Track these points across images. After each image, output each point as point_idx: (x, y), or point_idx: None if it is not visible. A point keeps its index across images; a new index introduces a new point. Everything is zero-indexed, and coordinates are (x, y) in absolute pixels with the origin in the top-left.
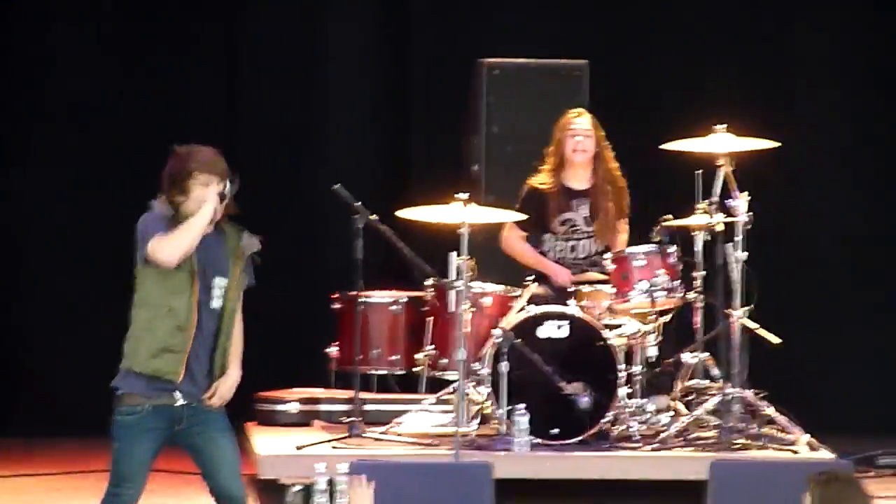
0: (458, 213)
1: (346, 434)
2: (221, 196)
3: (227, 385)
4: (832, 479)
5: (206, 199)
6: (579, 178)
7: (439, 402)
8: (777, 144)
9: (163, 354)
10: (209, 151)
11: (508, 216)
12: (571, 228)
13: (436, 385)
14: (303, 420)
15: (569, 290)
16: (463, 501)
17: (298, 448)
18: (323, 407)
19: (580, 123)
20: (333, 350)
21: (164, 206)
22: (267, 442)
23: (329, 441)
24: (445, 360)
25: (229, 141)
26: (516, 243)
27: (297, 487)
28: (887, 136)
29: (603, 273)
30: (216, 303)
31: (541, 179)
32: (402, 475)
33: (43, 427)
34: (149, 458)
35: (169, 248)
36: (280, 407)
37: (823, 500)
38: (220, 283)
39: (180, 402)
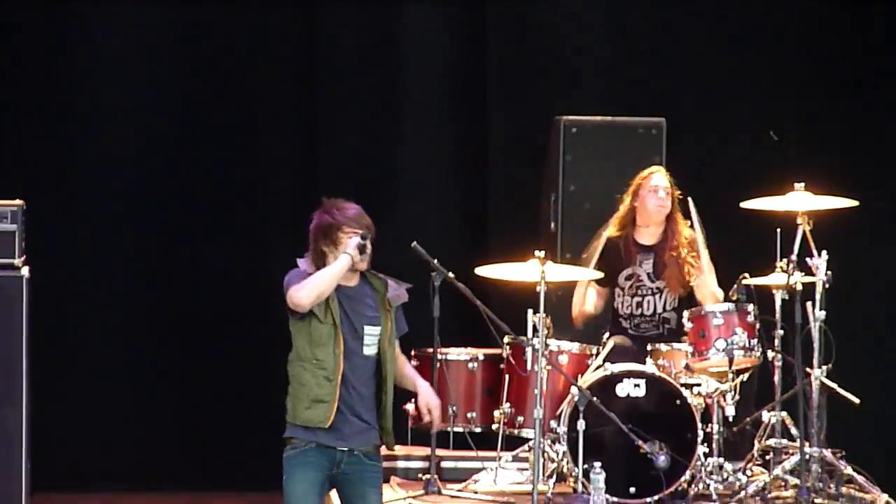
0: (536, 271)
1: (423, 491)
2: (362, 248)
3: (427, 399)
4: None
5: (346, 249)
6: (647, 234)
7: (516, 459)
8: (855, 203)
9: (315, 405)
10: (356, 207)
11: (585, 273)
12: (636, 284)
13: (512, 443)
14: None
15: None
16: None
17: None
18: (400, 464)
19: (662, 180)
20: (411, 407)
21: (308, 262)
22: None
23: (406, 498)
24: (522, 418)
25: (307, 189)
26: (578, 291)
27: None
28: None
29: (674, 331)
30: (369, 350)
31: (611, 233)
32: None
33: (126, 482)
34: (312, 487)
35: (302, 291)
36: None
37: None
38: (370, 331)
39: (337, 444)
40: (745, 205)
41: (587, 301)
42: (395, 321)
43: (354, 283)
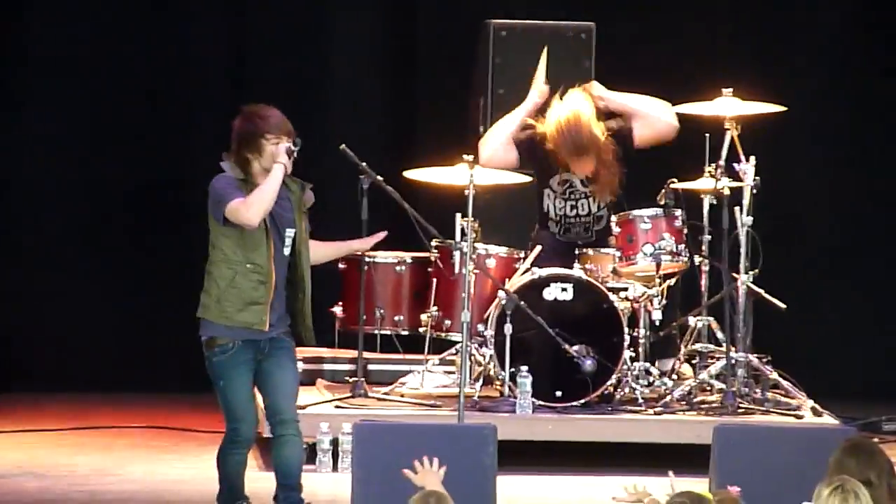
0: (464, 175)
1: (350, 394)
2: (290, 153)
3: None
4: (856, 448)
5: (278, 158)
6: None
7: (442, 363)
8: (783, 109)
9: (249, 307)
10: (277, 113)
11: (513, 178)
12: (569, 188)
13: (439, 346)
14: (307, 379)
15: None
16: (467, 462)
17: (302, 407)
18: (327, 366)
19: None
20: (338, 310)
21: (233, 165)
22: None
23: (333, 401)
24: (449, 322)
25: (235, 99)
26: (490, 133)
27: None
28: (892, 100)
29: (602, 233)
30: (287, 251)
31: (543, 130)
32: (406, 436)
33: (49, 383)
34: (250, 388)
35: (251, 211)
36: None
37: (843, 467)
38: (289, 233)
39: (263, 337)
40: (674, 110)
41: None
42: (306, 221)
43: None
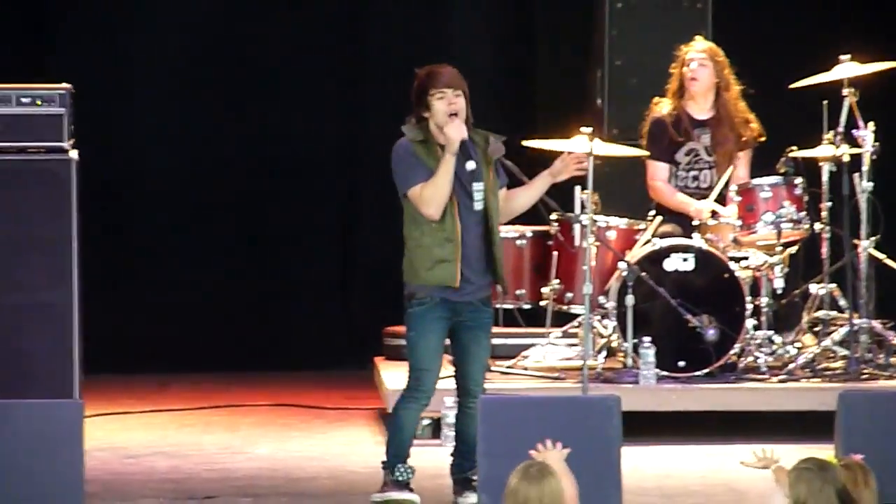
0: (584, 147)
1: None
2: (457, 129)
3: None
4: None
5: (449, 134)
6: (700, 108)
7: (565, 335)
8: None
9: (438, 266)
10: (446, 70)
11: (634, 151)
12: (695, 158)
13: (561, 319)
14: None
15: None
16: (591, 434)
17: None
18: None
19: (696, 51)
20: None
21: (411, 127)
22: (395, 376)
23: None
24: (571, 294)
25: (353, 73)
26: (664, 189)
27: (426, 421)
28: None
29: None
30: (478, 206)
31: (664, 109)
32: (530, 409)
33: (174, 364)
34: (440, 343)
35: (430, 209)
36: (398, 341)
37: None
38: (478, 187)
39: (461, 298)
40: (793, 86)
41: (664, 198)
42: (496, 173)
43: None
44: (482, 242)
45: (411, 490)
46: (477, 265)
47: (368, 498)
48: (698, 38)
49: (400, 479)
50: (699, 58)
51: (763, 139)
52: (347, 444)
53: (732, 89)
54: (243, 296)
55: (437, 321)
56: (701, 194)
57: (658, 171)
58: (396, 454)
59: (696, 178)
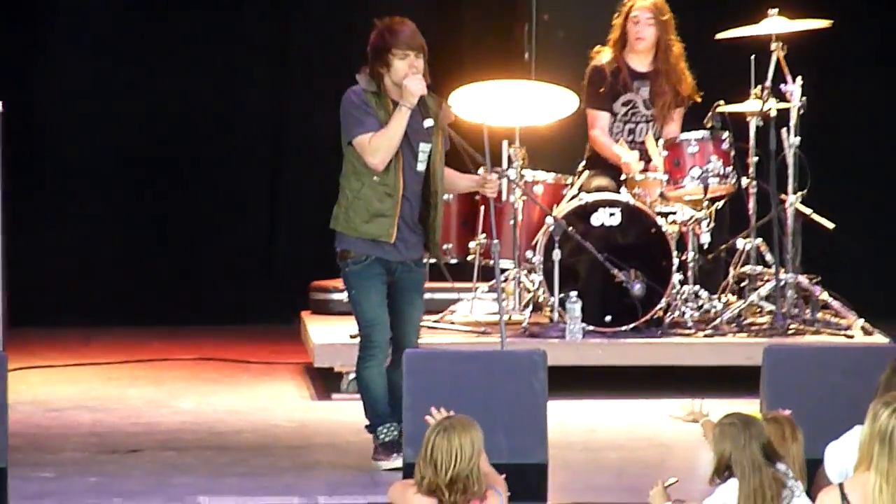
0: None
1: None
2: (418, 86)
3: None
4: None
5: (407, 91)
6: (640, 61)
7: (491, 290)
8: (828, 24)
9: (375, 219)
10: (408, 28)
11: (564, 105)
12: (632, 110)
13: (488, 274)
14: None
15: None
16: (517, 389)
17: (352, 337)
18: None
19: (643, 8)
20: None
21: (365, 78)
22: (322, 331)
23: None
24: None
25: (279, 31)
26: (601, 138)
27: (352, 375)
28: None
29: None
30: (421, 167)
31: (604, 58)
32: (456, 363)
33: (98, 318)
34: (382, 297)
35: (376, 157)
36: (334, 296)
37: (892, 385)
38: (423, 148)
39: (395, 257)
40: (720, 36)
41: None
42: (444, 140)
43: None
44: (421, 203)
45: (399, 450)
46: (413, 225)
47: (306, 452)
48: None
49: (386, 440)
50: (645, 17)
51: (698, 99)
52: (272, 398)
53: (676, 46)
54: (168, 249)
55: (376, 277)
56: (636, 148)
57: (597, 119)
58: (375, 415)
59: (631, 130)
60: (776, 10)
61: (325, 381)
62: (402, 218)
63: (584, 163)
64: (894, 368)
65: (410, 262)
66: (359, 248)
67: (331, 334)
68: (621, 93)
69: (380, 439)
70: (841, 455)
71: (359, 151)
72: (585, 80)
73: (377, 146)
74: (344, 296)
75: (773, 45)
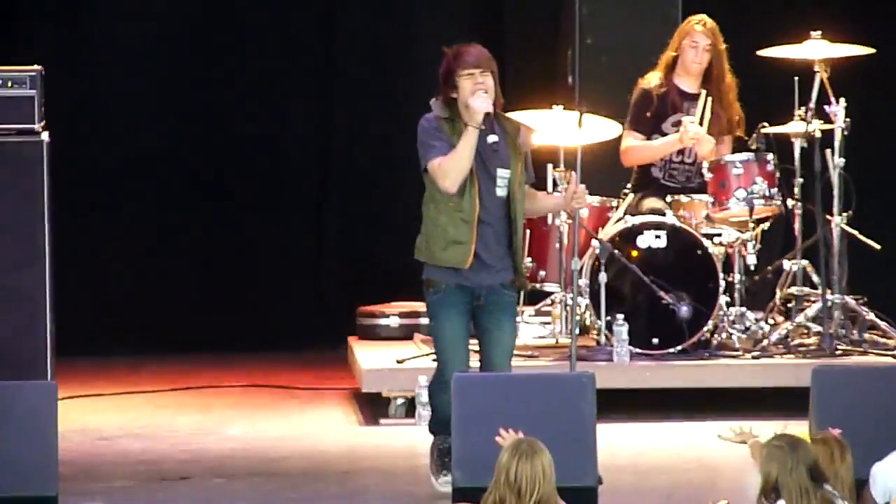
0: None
1: None
2: (484, 104)
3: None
4: None
5: (472, 111)
6: (692, 83)
7: (538, 313)
8: (872, 51)
9: (452, 246)
10: (473, 49)
11: (609, 128)
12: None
13: (534, 297)
14: (404, 334)
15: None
16: (565, 412)
17: (399, 362)
18: (423, 320)
19: (703, 34)
20: None
21: (438, 104)
22: (369, 356)
23: (429, 354)
24: (543, 272)
25: (323, 59)
26: (636, 149)
27: (401, 400)
28: None
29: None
30: (501, 192)
31: (653, 81)
32: (504, 387)
33: (149, 346)
34: (461, 331)
35: (447, 181)
36: (381, 321)
37: None
38: (502, 174)
39: (478, 283)
40: (761, 53)
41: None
42: (524, 165)
43: (490, 124)
44: (504, 228)
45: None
46: (497, 250)
47: (355, 478)
48: (702, 17)
49: (443, 446)
50: (704, 43)
51: (742, 135)
52: (320, 424)
53: (728, 77)
54: (215, 276)
55: (455, 308)
56: (685, 170)
57: (630, 140)
58: (438, 423)
59: (680, 151)
60: (819, 33)
61: (372, 407)
62: (481, 244)
63: (630, 185)
64: None
65: (497, 286)
66: (439, 276)
67: (378, 359)
68: (670, 114)
69: (438, 443)
70: (886, 475)
71: (432, 177)
72: (631, 101)
73: (447, 169)
74: (391, 321)
75: (817, 67)
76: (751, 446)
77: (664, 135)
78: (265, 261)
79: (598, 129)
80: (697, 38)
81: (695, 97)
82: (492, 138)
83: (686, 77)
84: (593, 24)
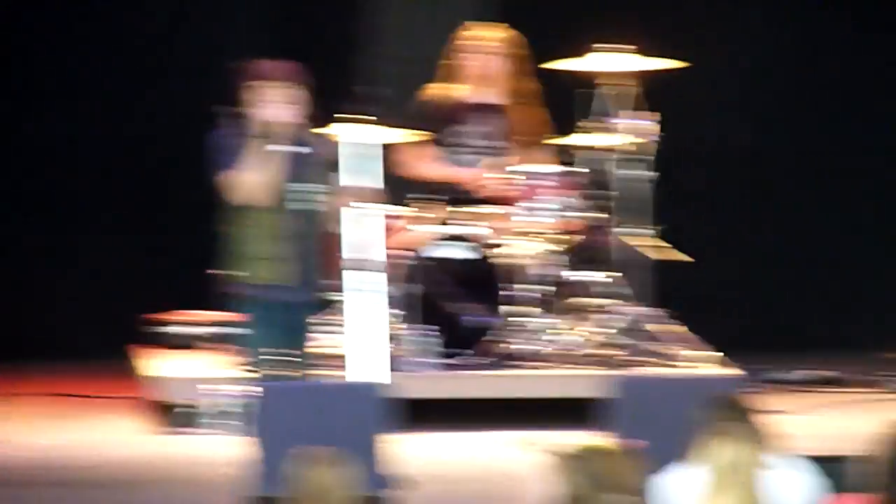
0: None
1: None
2: (282, 105)
3: None
4: (722, 401)
5: (269, 108)
6: (484, 93)
7: (330, 323)
8: (685, 64)
9: (255, 263)
10: (271, 62)
11: (407, 136)
12: (471, 141)
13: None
14: (186, 342)
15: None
16: (357, 421)
17: (185, 370)
18: (206, 329)
19: (489, 41)
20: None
21: (236, 120)
22: (153, 364)
23: (213, 363)
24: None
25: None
26: (427, 167)
27: (182, 409)
28: (796, 56)
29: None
30: (303, 206)
31: (440, 91)
32: (303, 397)
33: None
34: (267, 340)
35: (238, 193)
36: (163, 329)
37: (714, 420)
38: (304, 187)
39: (283, 298)
40: (549, 65)
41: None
42: (324, 176)
43: (290, 137)
44: (308, 243)
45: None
46: (296, 266)
47: (140, 487)
48: (490, 25)
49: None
50: (491, 51)
51: (548, 140)
52: (105, 433)
53: (527, 83)
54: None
55: (264, 321)
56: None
57: (422, 151)
58: None
59: (469, 162)
60: (633, 47)
61: (160, 415)
62: (285, 258)
63: (424, 195)
64: (715, 403)
65: (301, 301)
66: (244, 289)
67: (163, 368)
68: (458, 123)
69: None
70: (668, 488)
71: (226, 190)
72: (420, 110)
73: (236, 181)
74: (177, 329)
75: (626, 80)
76: (550, 457)
77: (450, 145)
78: (46, 269)
79: (392, 137)
80: (483, 45)
81: (485, 107)
82: (292, 150)
83: (475, 86)
84: (388, 34)
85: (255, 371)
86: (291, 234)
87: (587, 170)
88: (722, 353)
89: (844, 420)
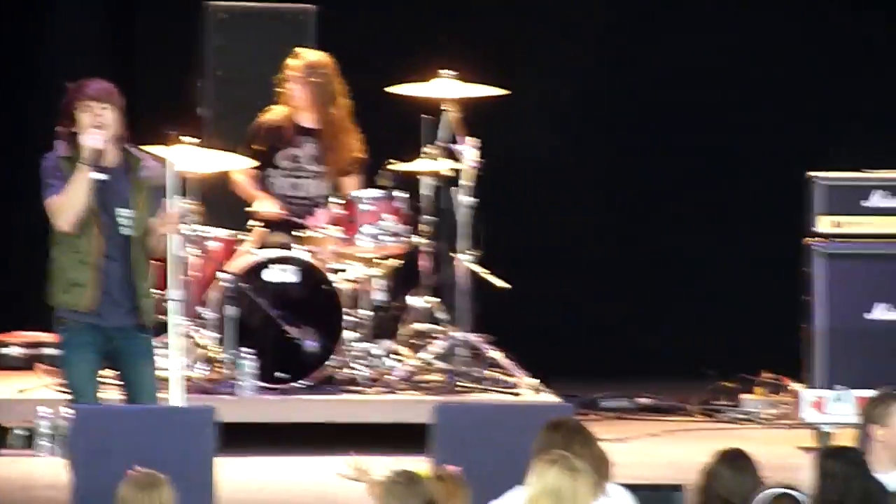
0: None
1: None
2: (97, 127)
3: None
4: (559, 425)
5: (85, 129)
6: (307, 118)
7: (163, 345)
8: (505, 92)
9: (71, 289)
10: (94, 82)
11: (237, 162)
12: (296, 165)
13: (163, 329)
14: (25, 364)
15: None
16: (186, 445)
17: (20, 391)
18: (46, 350)
19: (294, 68)
20: None
21: (63, 143)
22: None
23: (51, 385)
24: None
25: None
26: (245, 185)
27: (20, 431)
28: (618, 85)
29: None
30: (125, 231)
31: (271, 115)
32: (127, 420)
33: None
34: (90, 367)
35: (60, 219)
36: (3, 350)
37: (551, 444)
38: (123, 213)
39: (108, 324)
40: (391, 89)
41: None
42: (150, 200)
43: (113, 160)
44: (125, 269)
45: None
46: (120, 292)
47: None
48: (302, 51)
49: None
50: (295, 75)
51: (362, 156)
52: None
53: (340, 103)
54: None
55: (85, 346)
56: (300, 203)
57: (251, 174)
58: None
59: (294, 185)
60: (450, 72)
61: None
62: (107, 284)
63: (259, 219)
64: (551, 427)
65: (130, 328)
66: (67, 315)
67: (2, 389)
68: (282, 147)
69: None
70: None
71: (48, 215)
72: (248, 133)
73: (58, 208)
74: (11, 350)
75: (447, 106)
76: (368, 483)
77: (277, 168)
78: None
79: (227, 160)
80: (300, 71)
81: (310, 131)
82: (106, 176)
83: (300, 111)
84: (225, 57)
85: (69, 393)
86: (108, 259)
87: (407, 194)
88: (539, 380)
89: (679, 448)
